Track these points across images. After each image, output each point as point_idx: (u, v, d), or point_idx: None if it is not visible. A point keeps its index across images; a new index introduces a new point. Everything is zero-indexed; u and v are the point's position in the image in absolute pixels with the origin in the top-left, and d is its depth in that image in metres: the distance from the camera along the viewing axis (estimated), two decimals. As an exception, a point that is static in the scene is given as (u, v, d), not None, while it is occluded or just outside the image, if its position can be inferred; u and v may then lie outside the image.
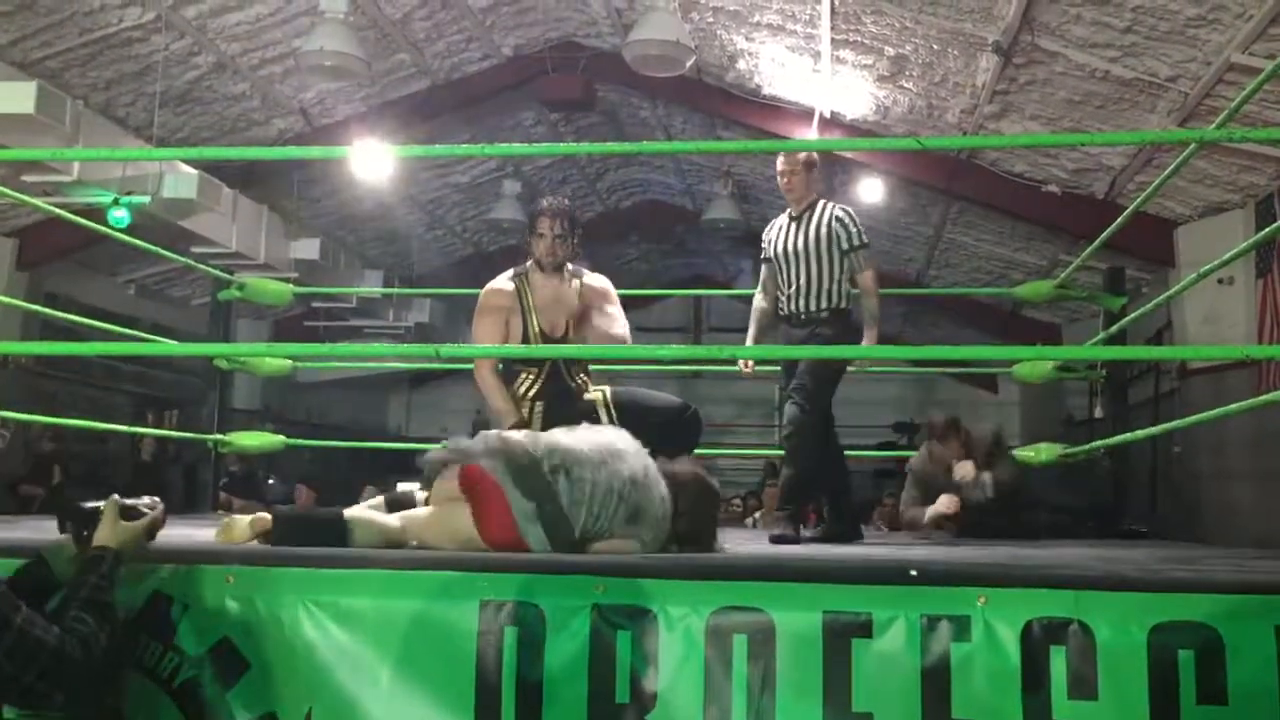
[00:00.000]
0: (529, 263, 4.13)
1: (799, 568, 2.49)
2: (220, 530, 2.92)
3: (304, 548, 2.62)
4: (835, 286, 4.58)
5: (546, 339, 4.02)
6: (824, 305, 4.57)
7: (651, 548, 2.86)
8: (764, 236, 4.85)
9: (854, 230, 4.58)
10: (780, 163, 4.72)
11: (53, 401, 9.46)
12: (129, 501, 2.34)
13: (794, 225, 4.67)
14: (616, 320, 4.12)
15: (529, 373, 4.02)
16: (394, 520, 2.92)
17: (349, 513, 2.91)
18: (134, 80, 7.97)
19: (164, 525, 2.32)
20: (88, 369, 10.68)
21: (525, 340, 4.01)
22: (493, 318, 4.06)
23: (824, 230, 4.58)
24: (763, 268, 4.83)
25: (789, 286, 4.64)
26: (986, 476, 5.22)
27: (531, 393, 4.00)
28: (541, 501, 2.75)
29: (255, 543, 2.80)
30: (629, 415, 3.76)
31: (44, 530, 3.17)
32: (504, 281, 4.12)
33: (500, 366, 4.15)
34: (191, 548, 2.68)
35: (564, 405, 3.88)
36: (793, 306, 4.63)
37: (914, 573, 2.29)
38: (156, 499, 2.40)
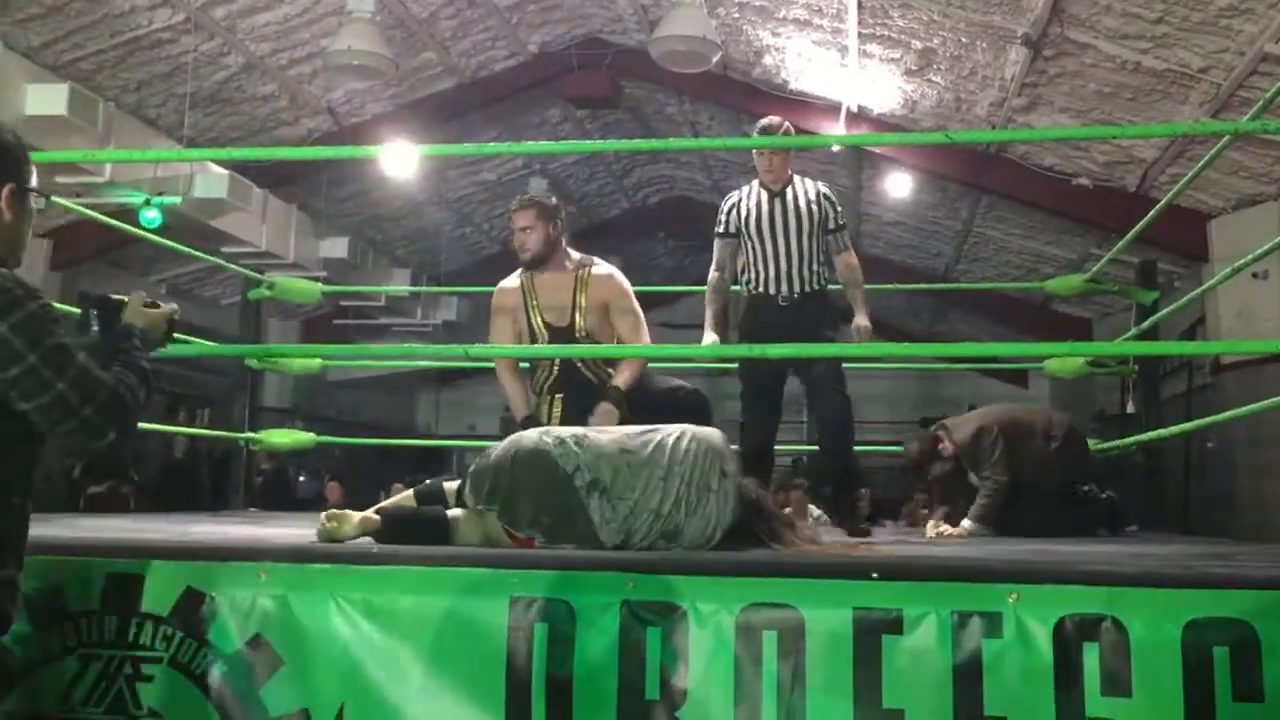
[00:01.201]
0: None
1: (828, 564, 2.48)
2: (328, 523, 2.87)
3: (399, 545, 2.63)
4: (819, 266, 4.48)
5: (552, 330, 4.04)
6: (810, 287, 4.45)
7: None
8: (724, 212, 4.60)
9: (840, 209, 4.51)
10: None
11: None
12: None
13: (775, 201, 4.48)
14: (637, 325, 4.07)
15: (543, 367, 4.06)
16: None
17: (451, 512, 2.92)
18: (164, 81, 8.04)
19: (177, 320, 2.37)
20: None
21: (531, 334, 4.04)
22: (502, 317, 4.13)
23: (813, 208, 4.45)
24: (718, 244, 4.63)
25: (769, 266, 4.46)
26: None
27: (549, 385, 4.04)
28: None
29: (366, 539, 2.81)
30: (635, 402, 3.83)
31: (74, 527, 3.20)
32: (511, 279, 4.17)
33: (525, 363, 4.19)
34: (224, 544, 2.70)
35: (586, 398, 3.91)
36: (774, 288, 4.46)
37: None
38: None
